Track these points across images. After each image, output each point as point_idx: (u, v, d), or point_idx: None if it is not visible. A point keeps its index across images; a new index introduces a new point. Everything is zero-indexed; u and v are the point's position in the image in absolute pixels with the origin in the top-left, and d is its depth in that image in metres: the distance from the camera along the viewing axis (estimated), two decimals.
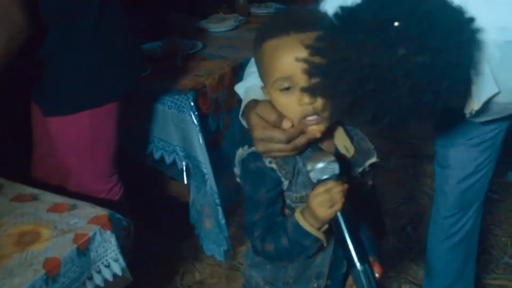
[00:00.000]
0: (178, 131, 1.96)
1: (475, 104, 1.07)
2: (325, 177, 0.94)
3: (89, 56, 1.55)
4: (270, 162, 1.01)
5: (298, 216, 0.98)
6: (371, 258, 1.05)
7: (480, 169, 1.58)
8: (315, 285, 1.13)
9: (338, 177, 0.95)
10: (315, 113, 0.95)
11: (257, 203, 1.03)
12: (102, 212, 1.22)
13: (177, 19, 2.79)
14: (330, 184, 0.93)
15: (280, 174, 1.01)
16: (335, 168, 0.94)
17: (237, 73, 2.16)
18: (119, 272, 1.22)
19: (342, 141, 1.06)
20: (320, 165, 0.94)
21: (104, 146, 1.71)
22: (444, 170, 1.63)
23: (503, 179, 2.63)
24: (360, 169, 1.08)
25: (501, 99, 1.08)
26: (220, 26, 2.77)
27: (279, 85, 0.96)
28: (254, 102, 1.05)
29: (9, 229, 1.17)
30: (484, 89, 1.04)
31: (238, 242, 2.26)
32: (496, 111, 1.21)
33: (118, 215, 1.26)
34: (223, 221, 2.02)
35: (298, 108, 0.95)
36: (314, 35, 0.90)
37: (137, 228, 1.34)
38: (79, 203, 1.26)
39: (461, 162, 1.58)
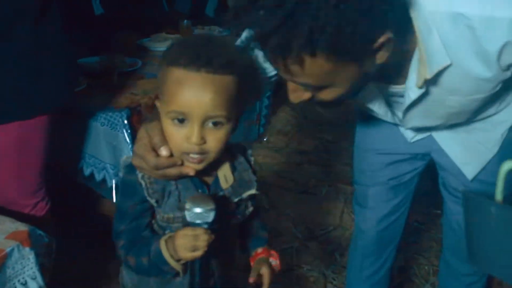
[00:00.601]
0: (110, 149, 1.94)
1: (427, 72, 1.07)
2: (198, 221, 0.98)
3: (20, 67, 1.52)
4: (142, 177, 1.03)
5: (162, 245, 1.01)
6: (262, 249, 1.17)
7: (396, 209, 1.65)
8: None
9: (211, 225, 0.98)
10: (200, 152, 0.97)
11: (124, 214, 1.06)
12: (22, 227, 1.19)
13: (120, 36, 2.77)
14: (199, 231, 0.97)
15: (146, 193, 1.02)
16: (210, 216, 0.98)
17: None
18: None
19: (224, 170, 1.09)
20: (197, 210, 0.97)
21: (32, 159, 1.67)
22: (362, 209, 1.69)
23: (429, 210, 2.73)
24: (236, 199, 1.11)
25: (453, 71, 1.08)
26: (161, 45, 2.77)
27: (172, 116, 0.96)
28: (155, 116, 1.04)
29: None
30: (435, 58, 1.05)
31: None
32: (435, 112, 1.24)
33: (40, 231, 1.24)
34: None
35: (184, 144, 0.96)
36: (223, 79, 0.93)
37: (62, 246, 1.31)
38: None
39: (378, 202, 1.64)
